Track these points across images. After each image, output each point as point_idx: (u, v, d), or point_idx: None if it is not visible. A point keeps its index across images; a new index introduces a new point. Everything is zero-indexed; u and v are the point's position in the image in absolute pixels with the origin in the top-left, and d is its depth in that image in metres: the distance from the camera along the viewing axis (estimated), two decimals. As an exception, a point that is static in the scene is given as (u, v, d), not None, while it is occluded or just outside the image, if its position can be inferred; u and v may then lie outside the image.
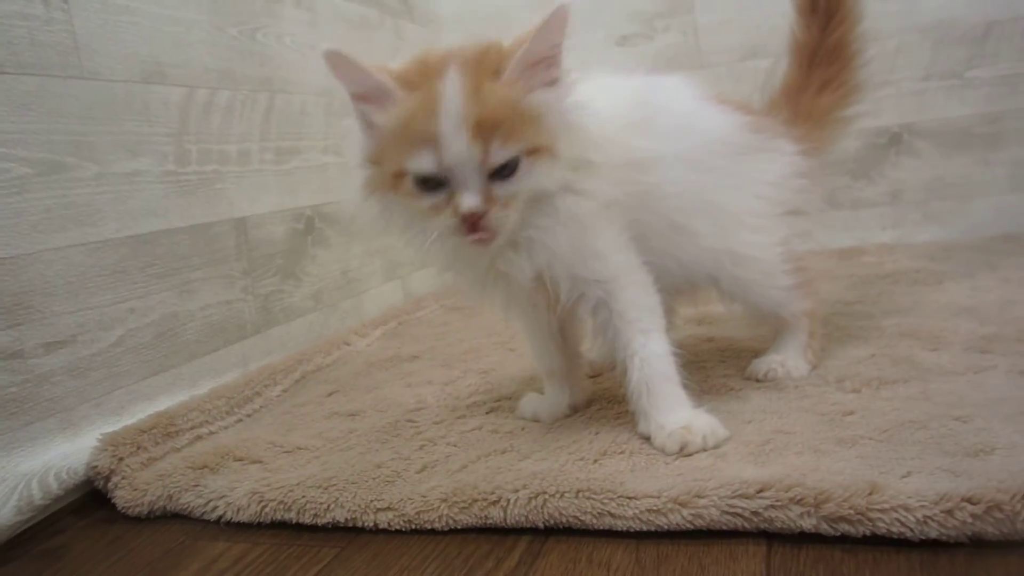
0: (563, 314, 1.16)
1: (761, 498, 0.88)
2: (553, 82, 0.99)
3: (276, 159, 1.72)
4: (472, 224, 0.97)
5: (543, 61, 0.98)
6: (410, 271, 2.26)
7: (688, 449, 1.04)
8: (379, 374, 1.62)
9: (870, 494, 0.84)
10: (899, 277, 1.87)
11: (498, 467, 1.07)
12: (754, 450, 1.03)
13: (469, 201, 0.96)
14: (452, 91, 0.95)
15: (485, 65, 0.98)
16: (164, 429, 1.30)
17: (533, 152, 0.98)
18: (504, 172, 0.97)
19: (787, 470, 0.93)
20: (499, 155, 0.96)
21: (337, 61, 0.98)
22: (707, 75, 2.38)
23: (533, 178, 0.99)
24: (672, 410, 1.08)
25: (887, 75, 2.25)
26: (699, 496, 0.90)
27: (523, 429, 1.22)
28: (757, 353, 1.35)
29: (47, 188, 1.22)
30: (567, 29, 0.97)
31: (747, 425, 1.11)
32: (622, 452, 1.07)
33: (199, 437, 1.33)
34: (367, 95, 1.00)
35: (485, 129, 0.94)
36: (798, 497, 0.86)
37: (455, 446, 1.18)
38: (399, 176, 1.00)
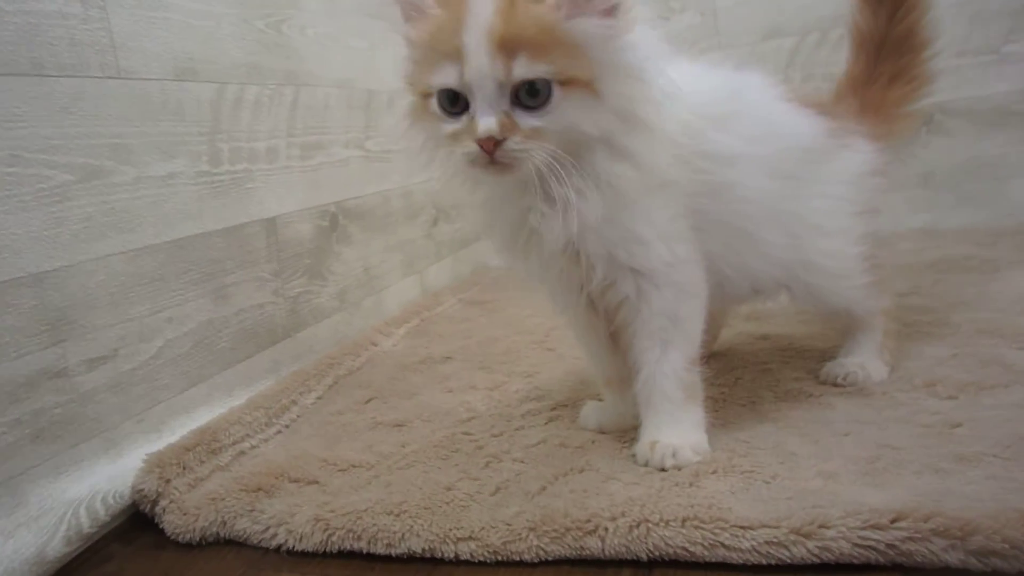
0: (603, 303, 1.07)
1: (897, 529, 0.80)
2: (609, 12, 0.89)
3: (302, 155, 1.64)
4: (489, 151, 0.89)
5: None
6: (427, 265, 2.19)
7: (649, 465, 1.02)
8: (414, 378, 1.55)
9: (1026, 525, 0.76)
10: (948, 265, 1.79)
11: (583, 490, 1.00)
12: (865, 468, 0.95)
13: (485, 122, 0.88)
14: (482, 4, 0.88)
15: None
16: (208, 446, 1.23)
17: (569, 83, 0.89)
18: (534, 101, 0.89)
19: (915, 495, 0.86)
20: (522, 71, 0.87)
21: None
22: (726, 56, 2.25)
23: (566, 114, 0.90)
24: (658, 427, 1.04)
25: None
26: (824, 526, 0.82)
27: (593, 443, 1.15)
28: (821, 352, 1.31)
29: (88, 195, 1.14)
30: None
31: (845, 438, 1.04)
32: (715, 472, 0.99)
33: (242, 452, 1.26)
34: (407, 12, 0.94)
35: (511, 44, 0.87)
36: (940, 528, 0.78)
37: (523, 463, 1.11)
38: (427, 97, 0.94)
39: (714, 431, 1.07)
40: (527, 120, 0.90)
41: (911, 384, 1.18)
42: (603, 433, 1.17)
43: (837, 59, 2.11)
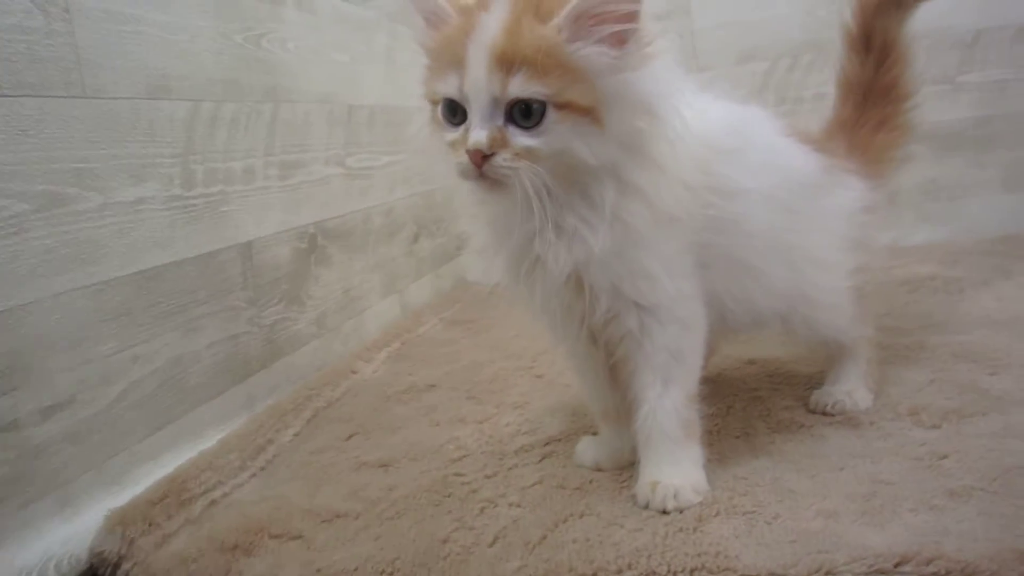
0: (604, 337, 1.01)
1: (901, 573, 0.77)
2: (619, 43, 0.84)
3: (280, 174, 1.50)
4: (477, 164, 0.85)
5: (608, 17, 0.83)
6: (407, 283, 2.05)
7: (651, 508, 0.96)
8: (398, 409, 1.41)
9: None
10: (916, 285, 1.79)
11: (586, 538, 0.90)
12: (862, 506, 0.90)
13: (476, 135, 0.85)
14: (490, 19, 0.85)
15: (541, 6, 0.85)
16: (177, 497, 1.08)
17: (566, 107, 0.84)
18: (527, 121, 0.85)
19: (915, 535, 0.82)
20: (517, 89, 0.83)
21: None
22: (703, 78, 2.21)
23: (559, 138, 0.85)
24: (658, 466, 0.98)
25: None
26: (831, 573, 0.78)
27: (591, 483, 1.05)
28: (807, 377, 1.29)
29: (47, 225, 0.99)
30: None
31: (840, 473, 0.99)
32: (717, 514, 0.93)
33: (214, 502, 1.11)
34: (429, 19, 0.91)
35: (510, 61, 0.83)
36: (943, 571, 0.75)
37: (520, 507, 1.00)
38: (435, 104, 0.91)
39: (711, 466, 1.02)
40: (520, 139, 0.85)
41: (896, 412, 1.15)
42: (600, 471, 1.09)
43: (808, 82, 2.24)
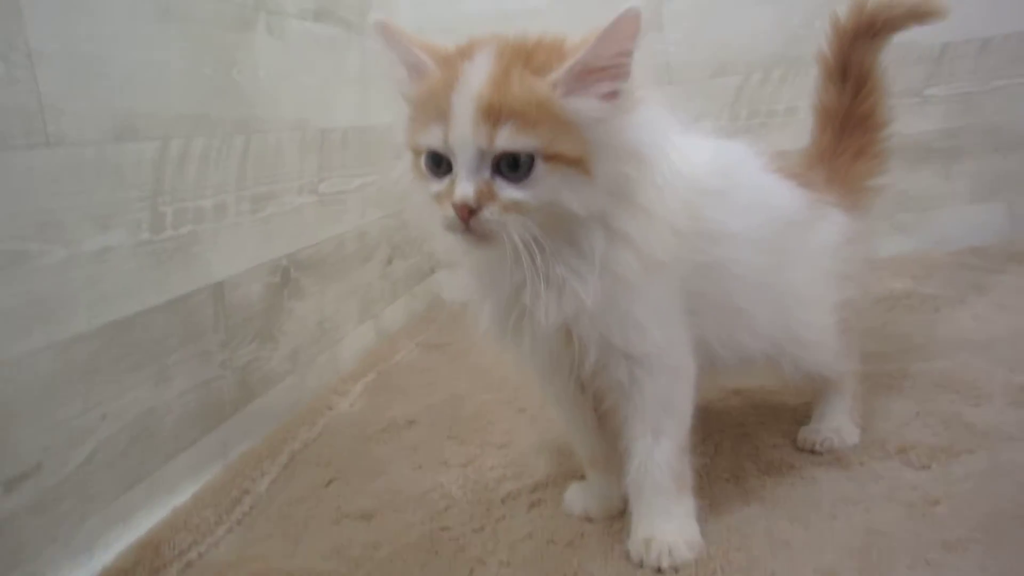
0: (593, 386, 0.97)
1: None
2: (611, 95, 0.81)
3: (252, 208, 1.43)
4: (464, 219, 0.81)
5: (602, 70, 0.81)
6: (382, 307, 1.98)
7: (646, 564, 0.93)
8: (378, 450, 1.35)
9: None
10: (893, 303, 1.79)
11: None
12: (861, 564, 0.87)
13: (461, 189, 0.81)
14: (475, 70, 0.82)
15: (532, 58, 0.82)
16: (150, 564, 1.01)
17: (555, 158, 0.81)
18: (515, 174, 0.81)
19: None
20: (504, 142, 0.80)
21: (386, 31, 0.88)
22: (676, 92, 2.23)
23: (548, 189, 0.82)
24: (652, 521, 0.95)
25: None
26: None
27: (582, 536, 1.01)
28: (793, 410, 1.28)
29: (9, 284, 0.92)
30: (637, 36, 0.80)
31: (834, 522, 0.97)
32: (713, 571, 0.90)
33: (190, 564, 1.04)
34: (410, 68, 0.88)
35: (497, 113, 0.79)
36: None
37: (510, 566, 0.96)
38: (418, 155, 0.87)
39: (703, 514, 0.99)
40: (507, 191, 0.82)
41: (885, 450, 1.12)
42: (590, 520, 1.05)
43: (780, 96, 2.22)
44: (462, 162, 0.81)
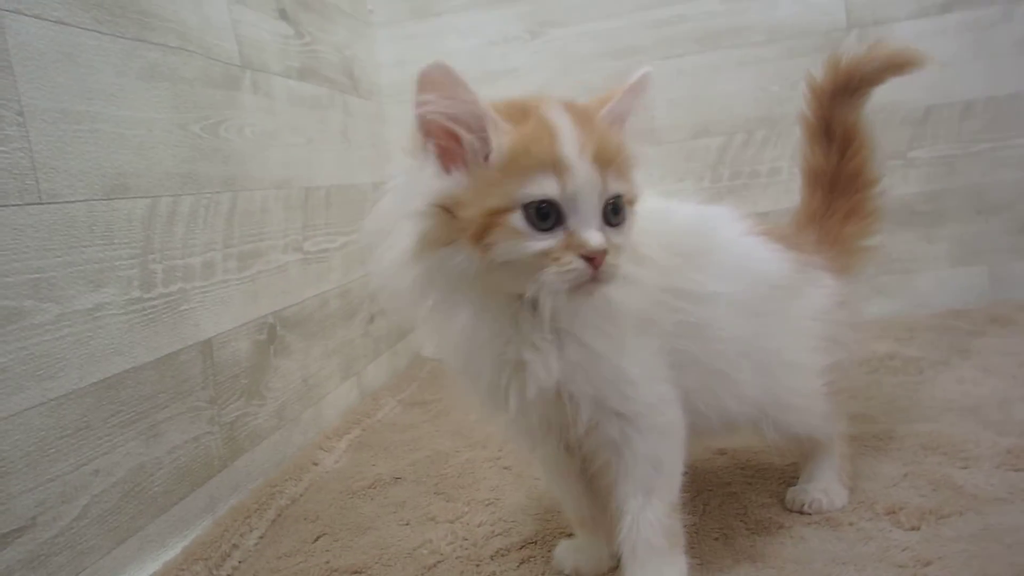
0: (583, 448, 0.98)
1: None
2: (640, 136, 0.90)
3: (239, 266, 1.47)
4: (598, 265, 0.81)
5: (624, 123, 0.89)
6: (364, 364, 2.01)
7: None
8: (365, 507, 1.37)
9: None
10: (876, 364, 1.81)
11: None
12: None
13: (595, 237, 0.81)
14: (567, 120, 0.83)
15: (577, 109, 0.86)
16: (142, 616, 1.03)
17: (633, 202, 0.87)
18: (616, 218, 0.85)
19: None
20: (615, 185, 0.84)
21: (439, 76, 0.81)
22: (659, 152, 2.30)
23: (631, 233, 0.86)
24: None
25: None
26: None
27: None
28: (780, 471, 1.28)
29: (4, 341, 0.96)
30: (647, 96, 0.89)
31: None
32: None
33: (181, 618, 1.06)
34: (460, 121, 0.83)
35: (604, 160, 0.82)
36: None
37: None
38: (500, 215, 0.81)
39: (693, 573, 0.99)
40: (614, 236, 0.84)
41: (874, 511, 1.14)
42: None
43: (762, 158, 2.29)
44: (586, 209, 0.82)
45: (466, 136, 0.82)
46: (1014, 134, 2.18)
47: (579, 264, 0.80)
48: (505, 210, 0.81)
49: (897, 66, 1.19)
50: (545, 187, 0.81)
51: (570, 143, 0.81)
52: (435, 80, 0.81)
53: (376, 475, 1.50)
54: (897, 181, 2.22)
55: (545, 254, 0.81)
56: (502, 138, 0.82)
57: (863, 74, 1.20)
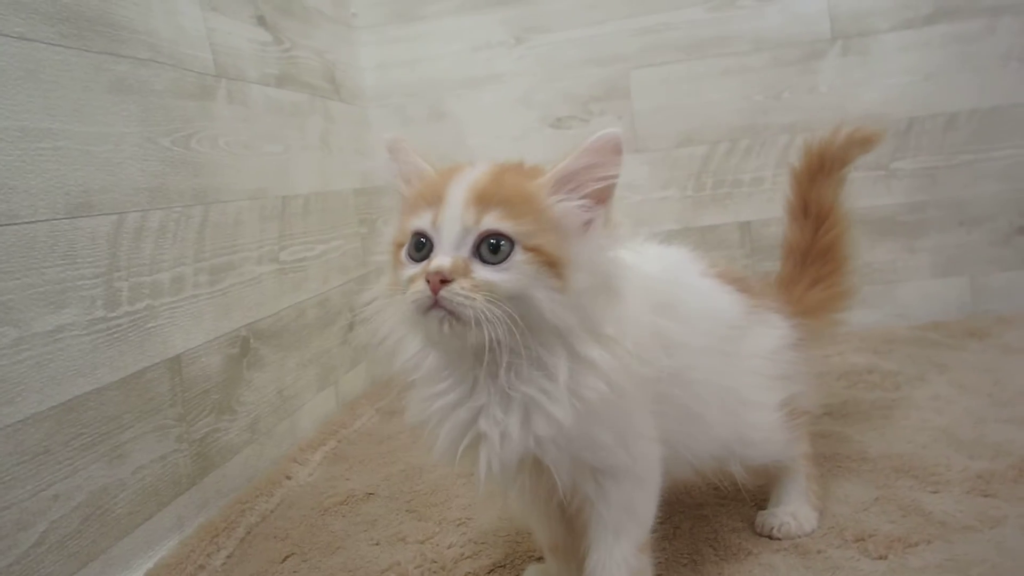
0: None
1: None
2: (589, 217, 0.86)
3: (211, 280, 1.44)
4: (435, 289, 0.81)
5: (582, 183, 0.86)
6: (342, 373, 1.99)
7: None
8: (336, 524, 1.35)
9: None
10: (854, 378, 1.81)
11: None
12: None
13: (438, 259, 0.82)
14: (473, 170, 0.88)
15: (523, 169, 0.90)
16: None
17: (533, 250, 0.83)
18: (494, 257, 0.83)
19: None
20: (490, 222, 0.83)
21: (396, 144, 0.95)
22: (643, 160, 2.30)
23: (522, 277, 0.82)
24: None
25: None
26: None
27: None
28: (752, 493, 1.26)
29: (-42, 370, 0.92)
30: (618, 162, 0.85)
31: None
32: None
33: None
34: (411, 178, 0.93)
35: (487, 199, 0.84)
36: None
37: None
38: (400, 247, 0.89)
39: None
40: (482, 272, 0.82)
41: (843, 538, 1.14)
42: None
43: (746, 167, 2.28)
44: (444, 239, 0.83)
45: (406, 187, 0.93)
46: (996, 146, 2.17)
47: (420, 288, 0.82)
48: (400, 244, 0.88)
49: (857, 143, 1.27)
50: (421, 220, 0.86)
51: (458, 184, 0.85)
52: (396, 148, 0.94)
53: (349, 490, 1.48)
54: (880, 192, 2.23)
55: (409, 280, 0.84)
56: (420, 183, 0.91)
57: (831, 155, 1.28)
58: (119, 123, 1.24)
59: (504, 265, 0.82)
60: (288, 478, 1.55)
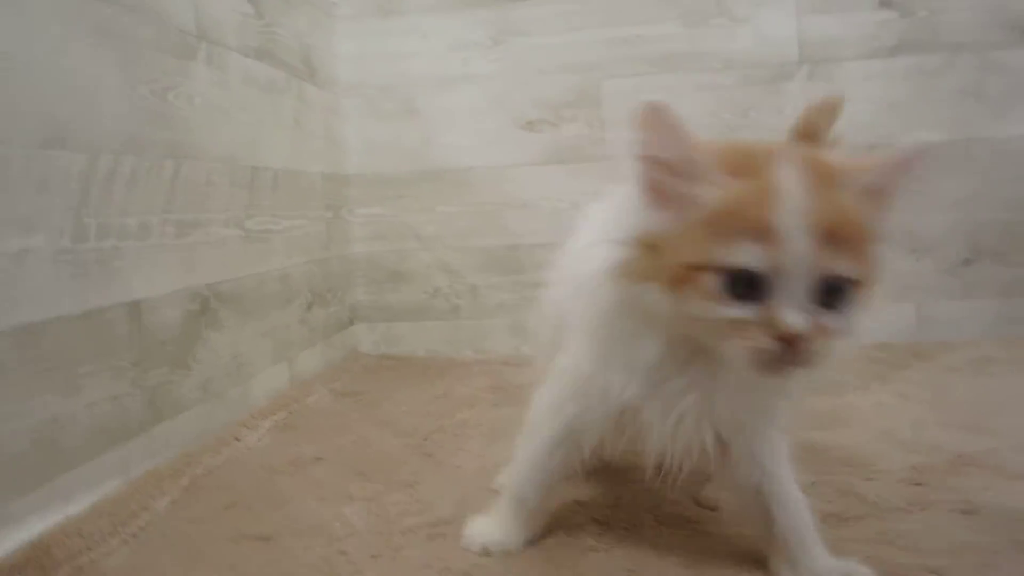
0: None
1: None
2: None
3: (177, 232, 1.46)
4: (796, 351, 0.75)
5: (882, 200, 0.79)
6: (298, 351, 2.00)
7: None
8: (283, 482, 1.37)
9: None
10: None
11: None
12: None
13: (795, 319, 0.74)
14: (797, 184, 0.75)
15: (821, 170, 0.77)
16: (38, 562, 1.02)
17: (860, 288, 0.77)
18: (838, 301, 0.76)
19: None
20: (841, 266, 0.74)
21: (656, 117, 0.78)
22: (612, 166, 2.28)
23: (856, 321, 0.78)
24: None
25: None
26: None
27: (475, 566, 1.03)
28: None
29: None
30: (915, 178, 0.80)
31: (726, 571, 1.01)
32: None
33: (79, 568, 1.05)
34: (672, 166, 0.78)
35: (831, 236, 0.74)
36: None
37: None
38: (696, 271, 0.77)
39: (598, 559, 1.03)
40: (832, 321, 0.76)
41: None
42: (488, 555, 1.07)
43: None
44: (794, 288, 0.75)
45: (675, 182, 0.78)
46: (949, 178, 2.22)
47: (767, 344, 0.75)
48: (702, 268, 0.77)
49: (827, 112, 1.21)
50: (748, 257, 0.75)
51: (791, 211, 0.74)
52: (653, 120, 0.78)
53: (297, 454, 1.49)
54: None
55: (735, 324, 0.77)
56: (714, 192, 0.77)
57: (812, 125, 1.23)
58: (99, 66, 1.26)
59: (846, 311, 0.77)
60: (237, 439, 1.56)
